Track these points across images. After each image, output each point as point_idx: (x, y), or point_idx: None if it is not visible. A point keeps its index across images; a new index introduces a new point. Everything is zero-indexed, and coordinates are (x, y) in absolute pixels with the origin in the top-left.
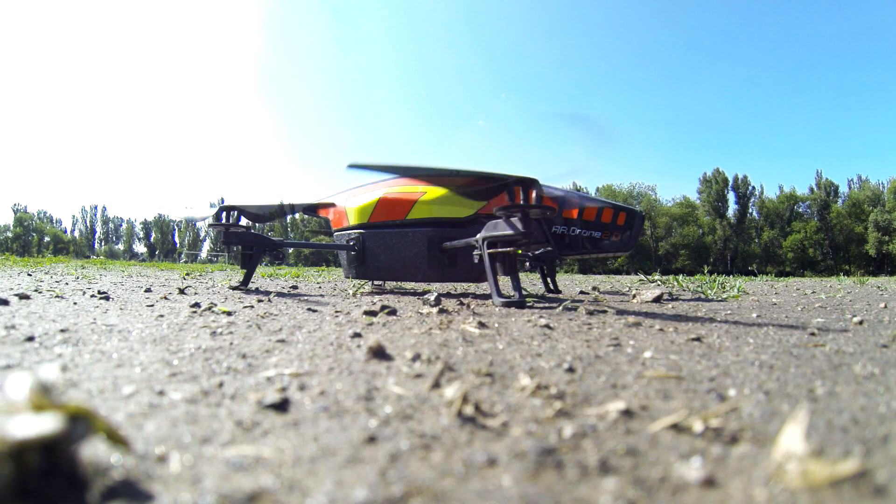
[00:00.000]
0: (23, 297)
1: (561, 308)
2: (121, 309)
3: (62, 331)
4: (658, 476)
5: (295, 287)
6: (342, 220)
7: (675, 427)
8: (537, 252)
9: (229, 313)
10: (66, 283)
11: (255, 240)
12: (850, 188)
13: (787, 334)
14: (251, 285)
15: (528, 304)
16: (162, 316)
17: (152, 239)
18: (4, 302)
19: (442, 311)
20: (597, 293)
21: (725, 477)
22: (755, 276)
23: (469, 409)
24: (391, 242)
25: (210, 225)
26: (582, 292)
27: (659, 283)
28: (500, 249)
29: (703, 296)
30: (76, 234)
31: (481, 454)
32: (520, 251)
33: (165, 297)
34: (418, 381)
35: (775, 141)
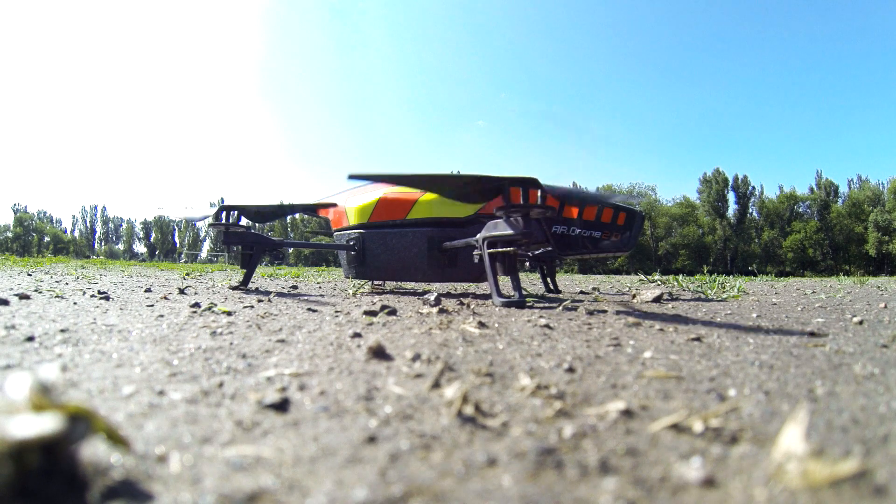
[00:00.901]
0: (23, 297)
1: (561, 308)
2: (121, 309)
3: (62, 331)
4: (658, 476)
5: (295, 287)
6: (342, 220)
7: (675, 427)
8: (537, 252)
9: (229, 313)
10: (66, 283)
11: (254, 240)
12: (850, 188)
13: (787, 334)
14: (251, 285)
15: (528, 304)
16: (162, 316)
17: (152, 239)
18: (4, 302)
19: (442, 311)
20: (597, 293)
21: (725, 477)
22: (755, 276)
23: (469, 409)
24: (391, 242)
25: (210, 225)
26: (582, 292)
27: (659, 283)
28: (499, 249)
29: (703, 296)
30: (76, 234)
31: (481, 454)
32: (519, 251)
33: (165, 297)
34: (418, 381)
35: (775, 141)
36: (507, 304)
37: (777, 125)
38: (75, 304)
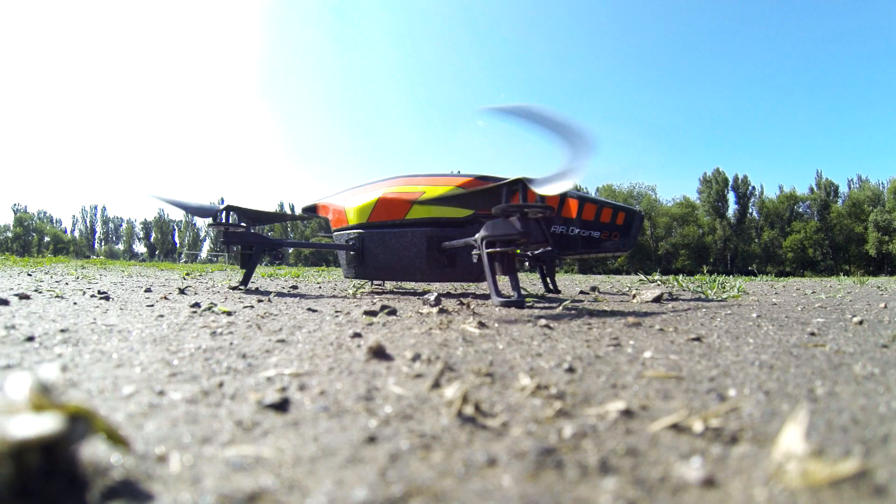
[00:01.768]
0: (23, 297)
1: (561, 308)
2: (121, 309)
3: (62, 331)
4: (658, 476)
5: (295, 287)
6: (341, 220)
7: (675, 427)
8: (537, 252)
9: (229, 313)
10: (66, 284)
11: (254, 240)
12: (850, 188)
13: (787, 334)
14: (251, 285)
15: (528, 304)
16: (162, 316)
17: (152, 239)
18: (4, 302)
19: (442, 311)
20: (597, 293)
21: (725, 477)
22: (755, 276)
23: (469, 409)
24: (391, 242)
25: (210, 225)
26: (582, 292)
27: (659, 283)
28: (498, 249)
29: (703, 296)
30: (76, 234)
31: (481, 454)
32: (518, 251)
33: (165, 297)
34: (418, 381)
35: (775, 141)
36: (506, 304)
37: (777, 125)
38: (75, 304)
